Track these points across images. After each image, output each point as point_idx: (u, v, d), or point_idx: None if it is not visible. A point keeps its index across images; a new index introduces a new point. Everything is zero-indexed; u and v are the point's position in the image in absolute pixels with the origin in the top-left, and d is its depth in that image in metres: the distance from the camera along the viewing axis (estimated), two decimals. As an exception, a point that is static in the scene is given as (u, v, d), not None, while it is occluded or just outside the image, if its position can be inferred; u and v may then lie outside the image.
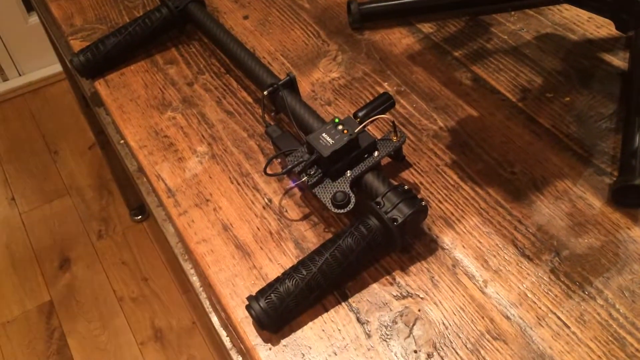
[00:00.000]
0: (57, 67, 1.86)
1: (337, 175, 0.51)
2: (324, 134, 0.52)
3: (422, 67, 0.68)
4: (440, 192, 0.56)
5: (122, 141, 0.68)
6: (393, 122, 0.52)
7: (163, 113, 0.65)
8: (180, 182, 0.58)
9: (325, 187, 0.51)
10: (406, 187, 0.50)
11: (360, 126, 0.52)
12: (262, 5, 0.79)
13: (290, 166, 0.52)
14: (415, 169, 0.58)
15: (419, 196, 0.51)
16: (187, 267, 0.56)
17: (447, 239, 0.52)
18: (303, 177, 0.52)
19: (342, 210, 0.49)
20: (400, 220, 0.47)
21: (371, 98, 0.64)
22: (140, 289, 1.41)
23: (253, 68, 0.62)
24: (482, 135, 0.60)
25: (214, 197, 0.57)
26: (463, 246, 0.52)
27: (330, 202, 0.50)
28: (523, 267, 0.50)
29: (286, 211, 0.55)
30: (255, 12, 0.78)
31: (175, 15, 0.70)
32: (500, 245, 0.51)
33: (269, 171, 0.57)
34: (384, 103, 0.54)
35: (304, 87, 0.67)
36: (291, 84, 0.60)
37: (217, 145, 0.61)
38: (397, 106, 0.64)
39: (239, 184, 0.58)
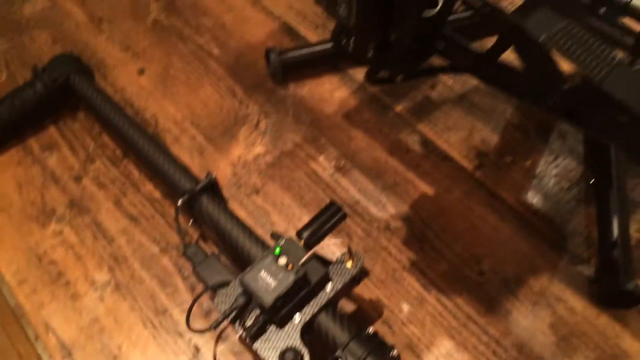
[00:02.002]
0: None
1: (283, 322, 0.41)
2: (263, 273, 0.41)
3: (362, 130, 0.58)
4: (403, 310, 0.47)
5: (-3, 259, 0.53)
6: (349, 248, 0.42)
7: (46, 226, 0.51)
8: (76, 332, 0.46)
9: (270, 339, 0.41)
10: (370, 330, 0.40)
11: (306, 256, 0.41)
12: (161, 53, 0.64)
13: (221, 318, 0.41)
14: (370, 279, 0.48)
15: (384, 333, 0.41)
16: None
17: (418, 378, 0.44)
18: (238, 328, 0.41)
19: (294, 375, 0.39)
20: None
21: (307, 179, 0.53)
22: None
23: (161, 166, 0.49)
24: (441, 223, 0.51)
25: (124, 352, 0.45)
26: (438, 387, 0.43)
27: None
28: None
29: None
30: (153, 64, 0.64)
31: (53, 92, 0.54)
32: (480, 381, 0.43)
33: (193, 326, 0.45)
34: (332, 217, 0.44)
35: (223, 170, 0.55)
36: (212, 188, 0.48)
37: (121, 270, 0.49)
38: (339, 189, 0.53)
39: (154, 327, 0.46)
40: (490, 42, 0.44)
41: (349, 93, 0.61)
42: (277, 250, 0.42)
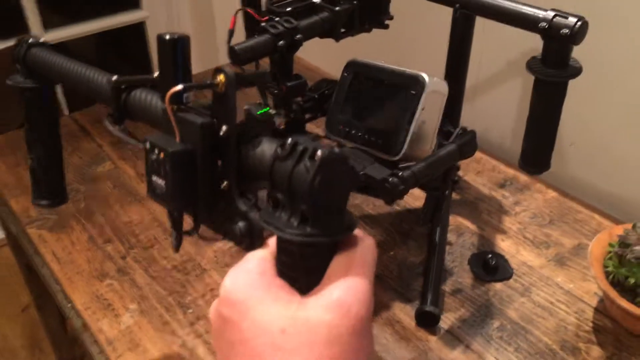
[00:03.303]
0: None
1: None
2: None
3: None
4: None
5: (69, 305, 0.88)
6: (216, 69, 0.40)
7: (102, 281, 0.88)
8: (117, 333, 0.80)
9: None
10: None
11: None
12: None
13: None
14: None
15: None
16: (122, 398, 0.76)
17: None
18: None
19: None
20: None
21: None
22: None
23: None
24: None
25: (143, 342, 0.78)
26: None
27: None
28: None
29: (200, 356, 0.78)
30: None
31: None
32: None
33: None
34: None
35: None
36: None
37: (144, 303, 0.84)
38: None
39: (161, 331, 0.80)
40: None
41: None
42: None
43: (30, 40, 0.56)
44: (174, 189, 0.40)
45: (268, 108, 0.77)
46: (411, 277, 0.87)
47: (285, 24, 0.64)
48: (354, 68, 0.77)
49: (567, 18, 0.59)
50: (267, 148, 0.38)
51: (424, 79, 0.71)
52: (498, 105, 1.21)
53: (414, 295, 0.84)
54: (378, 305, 0.83)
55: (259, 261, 0.35)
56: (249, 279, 0.34)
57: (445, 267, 0.88)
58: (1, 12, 1.97)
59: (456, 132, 0.75)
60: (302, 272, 0.34)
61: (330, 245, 0.35)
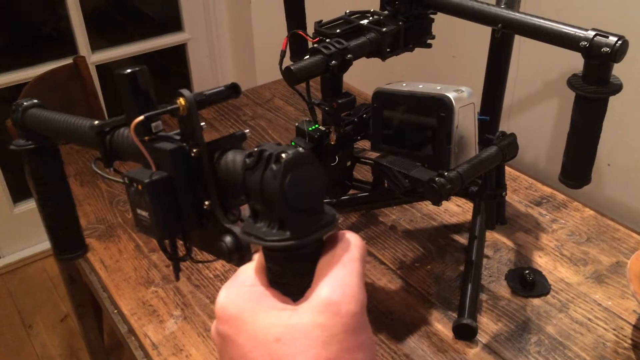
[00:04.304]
0: (33, 250, 2.11)
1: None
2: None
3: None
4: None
5: (115, 311, 0.92)
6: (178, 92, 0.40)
7: (148, 288, 0.91)
8: (161, 338, 0.83)
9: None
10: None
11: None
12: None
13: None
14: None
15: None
16: (166, 400, 0.78)
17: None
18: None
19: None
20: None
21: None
22: None
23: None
24: (374, 294, 0.88)
25: (186, 347, 0.81)
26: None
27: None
28: (396, 382, 0.75)
29: None
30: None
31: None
32: (381, 369, 0.77)
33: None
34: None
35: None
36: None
37: (187, 310, 0.87)
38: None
39: (204, 337, 0.83)
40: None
41: (328, 229, 1.02)
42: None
43: (25, 103, 0.56)
44: (156, 218, 0.40)
45: (318, 125, 0.80)
46: (448, 291, 0.88)
47: (337, 45, 0.67)
48: (381, 98, 0.79)
49: (607, 37, 0.61)
50: (238, 160, 0.38)
51: (450, 99, 0.71)
52: (533, 125, 1.22)
53: (452, 309, 0.85)
54: (416, 318, 0.84)
55: (250, 274, 0.35)
56: (241, 293, 0.34)
57: (482, 281, 0.89)
58: (54, 35, 2.07)
59: (497, 135, 0.77)
60: (290, 277, 0.34)
61: (314, 246, 0.34)
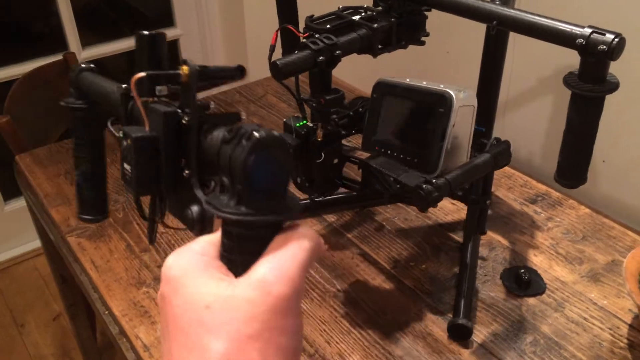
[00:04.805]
0: (24, 249, 2.09)
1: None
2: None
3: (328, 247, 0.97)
4: (338, 336, 0.81)
5: (106, 312, 0.91)
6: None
7: (139, 289, 0.90)
8: (153, 339, 0.81)
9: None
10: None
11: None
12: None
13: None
14: (320, 321, 0.84)
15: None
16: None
17: (340, 368, 0.77)
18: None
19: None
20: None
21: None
22: None
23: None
24: (367, 294, 0.87)
25: (178, 349, 0.80)
26: (351, 372, 0.76)
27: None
28: (391, 384, 0.74)
29: None
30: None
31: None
32: (376, 370, 0.76)
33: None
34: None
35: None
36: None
37: (179, 311, 0.86)
38: (310, 270, 0.91)
39: (196, 338, 0.81)
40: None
41: (322, 227, 1.01)
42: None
43: (83, 66, 0.62)
44: (136, 172, 0.42)
45: (306, 121, 0.79)
46: (443, 291, 0.87)
47: (326, 41, 0.66)
48: (382, 88, 0.79)
49: (604, 35, 0.60)
50: (220, 136, 0.39)
51: (451, 95, 0.72)
52: (527, 122, 1.21)
53: (447, 309, 0.84)
54: (410, 318, 0.83)
55: (204, 244, 0.36)
56: (188, 257, 0.35)
57: (477, 281, 0.88)
58: (45, 32, 2.05)
59: (490, 142, 0.76)
60: (238, 254, 0.35)
61: (268, 230, 0.35)
